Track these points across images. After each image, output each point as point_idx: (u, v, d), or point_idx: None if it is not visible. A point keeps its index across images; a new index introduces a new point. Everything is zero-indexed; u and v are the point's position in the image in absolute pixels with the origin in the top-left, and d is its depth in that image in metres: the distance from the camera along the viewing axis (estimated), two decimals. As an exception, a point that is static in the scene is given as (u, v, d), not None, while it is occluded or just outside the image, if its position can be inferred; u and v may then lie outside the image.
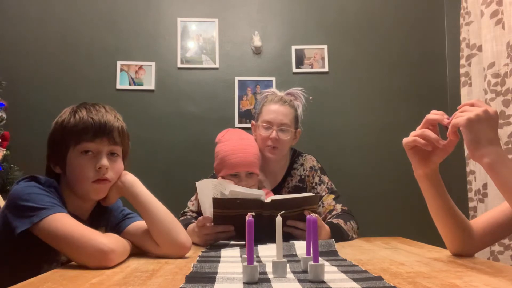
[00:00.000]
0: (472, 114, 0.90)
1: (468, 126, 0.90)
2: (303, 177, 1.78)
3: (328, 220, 1.60)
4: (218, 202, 1.31)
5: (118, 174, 1.16)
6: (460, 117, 0.92)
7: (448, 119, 0.96)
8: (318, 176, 1.77)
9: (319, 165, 1.81)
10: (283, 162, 1.81)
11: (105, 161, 1.10)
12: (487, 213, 1.13)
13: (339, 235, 1.50)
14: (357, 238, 1.62)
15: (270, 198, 1.36)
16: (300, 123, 1.82)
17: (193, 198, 1.74)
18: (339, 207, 1.68)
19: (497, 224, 1.07)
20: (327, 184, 1.75)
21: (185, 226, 1.44)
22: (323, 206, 1.70)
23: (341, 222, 1.57)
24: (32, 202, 1.00)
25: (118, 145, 1.15)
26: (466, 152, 2.29)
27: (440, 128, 1.00)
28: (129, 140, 1.22)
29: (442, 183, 1.04)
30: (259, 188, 1.67)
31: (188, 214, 1.68)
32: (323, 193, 1.72)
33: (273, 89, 1.89)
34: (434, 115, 0.98)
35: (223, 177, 1.61)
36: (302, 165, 1.80)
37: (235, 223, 1.35)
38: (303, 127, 1.85)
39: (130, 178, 1.18)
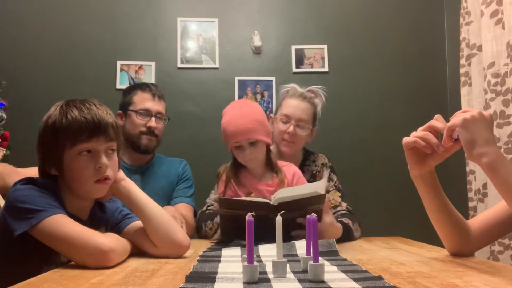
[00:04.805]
0: (467, 115, 0.93)
1: (464, 126, 0.92)
2: (314, 172, 1.81)
3: (339, 220, 1.59)
4: (225, 202, 1.30)
5: (116, 170, 1.16)
6: (456, 118, 0.94)
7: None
8: (328, 173, 1.80)
9: (330, 164, 1.85)
10: (295, 158, 1.82)
11: (104, 160, 1.09)
12: (483, 212, 1.14)
13: (348, 234, 1.51)
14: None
15: (278, 193, 1.32)
16: (318, 121, 1.82)
17: (212, 194, 1.73)
18: (344, 205, 1.69)
19: (494, 223, 1.07)
20: (335, 183, 1.78)
21: (210, 217, 1.49)
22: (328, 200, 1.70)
23: (349, 222, 1.58)
24: (30, 204, 1.00)
25: (114, 141, 1.14)
26: (466, 152, 2.29)
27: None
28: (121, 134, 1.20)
29: (438, 183, 1.05)
30: None
31: (210, 210, 1.67)
32: (330, 189, 1.74)
33: (294, 84, 1.86)
34: (438, 123, 0.98)
35: (231, 151, 1.57)
36: (314, 161, 1.84)
37: (242, 223, 1.32)
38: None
39: (125, 183, 1.17)
